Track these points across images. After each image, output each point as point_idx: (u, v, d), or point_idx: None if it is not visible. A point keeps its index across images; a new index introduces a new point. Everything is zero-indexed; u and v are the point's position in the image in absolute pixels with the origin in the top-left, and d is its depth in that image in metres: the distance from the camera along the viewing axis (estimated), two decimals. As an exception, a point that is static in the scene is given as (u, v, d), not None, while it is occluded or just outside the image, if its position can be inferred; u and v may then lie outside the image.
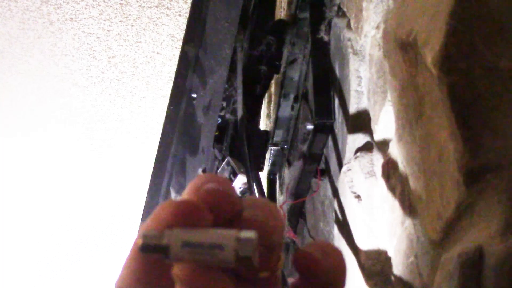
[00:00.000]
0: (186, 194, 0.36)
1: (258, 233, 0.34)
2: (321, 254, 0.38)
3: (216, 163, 1.46)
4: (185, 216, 0.34)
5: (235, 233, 0.33)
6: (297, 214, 1.56)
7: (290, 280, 0.40)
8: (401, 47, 0.66)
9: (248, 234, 0.34)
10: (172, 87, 1.34)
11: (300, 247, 1.43)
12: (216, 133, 1.42)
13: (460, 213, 0.54)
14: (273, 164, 1.75)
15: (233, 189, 0.37)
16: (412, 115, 0.66)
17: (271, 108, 2.04)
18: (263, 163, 1.64)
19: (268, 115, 2.15)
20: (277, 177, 1.78)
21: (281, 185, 1.75)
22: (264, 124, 2.14)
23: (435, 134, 0.58)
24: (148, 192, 1.38)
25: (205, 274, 0.33)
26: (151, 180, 1.37)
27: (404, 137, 0.70)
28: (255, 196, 1.30)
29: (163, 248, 0.34)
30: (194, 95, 1.34)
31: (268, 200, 0.40)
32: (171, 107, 1.33)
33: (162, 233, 0.34)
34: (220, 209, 0.35)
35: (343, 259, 0.39)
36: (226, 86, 1.37)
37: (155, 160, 1.38)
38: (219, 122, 1.42)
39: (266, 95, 1.76)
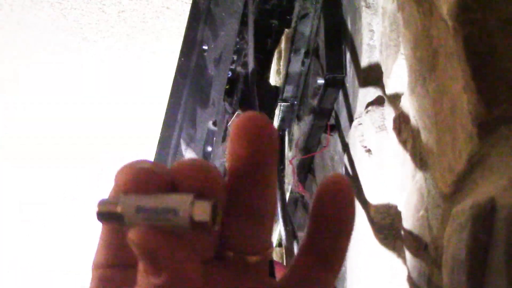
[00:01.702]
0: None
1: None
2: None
3: (226, 116, 1.46)
4: (140, 181, 0.32)
5: (191, 197, 0.32)
6: (306, 169, 1.56)
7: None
8: (416, -2, 0.66)
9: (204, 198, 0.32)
10: (183, 38, 1.34)
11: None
12: (227, 87, 1.42)
13: (472, 166, 0.54)
14: (282, 120, 1.74)
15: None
16: (425, 68, 0.65)
17: (281, 64, 2.03)
18: (272, 118, 1.64)
19: (278, 72, 2.14)
20: (286, 133, 1.78)
21: (290, 141, 1.75)
22: (273, 80, 2.13)
23: (449, 86, 0.57)
24: (159, 143, 1.39)
25: (157, 235, 0.31)
26: (161, 131, 1.37)
27: (416, 90, 0.69)
28: None
29: (117, 215, 0.33)
30: (205, 47, 1.33)
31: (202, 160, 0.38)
32: (182, 59, 1.33)
33: (117, 199, 0.33)
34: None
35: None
36: (237, 39, 1.36)
37: (166, 111, 1.38)
38: (229, 75, 1.41)
39: (276, 51, 1.75)
